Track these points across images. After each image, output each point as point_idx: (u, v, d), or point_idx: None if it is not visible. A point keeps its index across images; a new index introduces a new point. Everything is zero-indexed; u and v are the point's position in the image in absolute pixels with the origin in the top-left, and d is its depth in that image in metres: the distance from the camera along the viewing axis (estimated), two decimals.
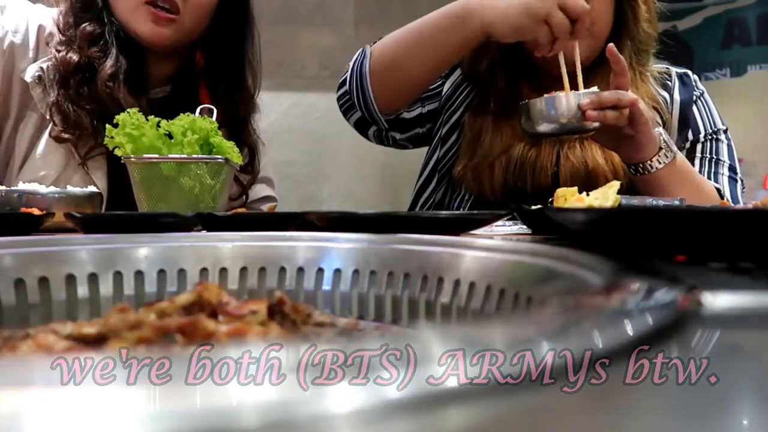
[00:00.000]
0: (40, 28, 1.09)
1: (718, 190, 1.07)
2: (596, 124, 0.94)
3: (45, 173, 1.03)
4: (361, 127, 1.17)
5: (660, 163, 0.97)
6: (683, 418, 0.13)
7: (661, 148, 0.97)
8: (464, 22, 0.98)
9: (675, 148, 0.99)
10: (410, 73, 1.07)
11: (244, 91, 1.19)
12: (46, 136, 1.06)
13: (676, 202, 0.80)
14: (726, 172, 1.13)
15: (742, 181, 1.15)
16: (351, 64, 1.11)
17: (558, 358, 0.15)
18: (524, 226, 0.72)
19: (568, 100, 0.94)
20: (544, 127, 0.96)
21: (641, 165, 0.98)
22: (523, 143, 1.11)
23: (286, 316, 0.33)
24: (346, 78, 1.11)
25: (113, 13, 1.06)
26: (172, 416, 0.10)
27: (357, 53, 1.12)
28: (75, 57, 1.04)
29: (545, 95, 0.96)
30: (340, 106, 1.15)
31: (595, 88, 0.96)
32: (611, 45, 0.96)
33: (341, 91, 1.13)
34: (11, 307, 0.37)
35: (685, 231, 0.39)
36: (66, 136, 1.03)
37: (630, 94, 0.94)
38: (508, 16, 0.95)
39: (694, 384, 0.16)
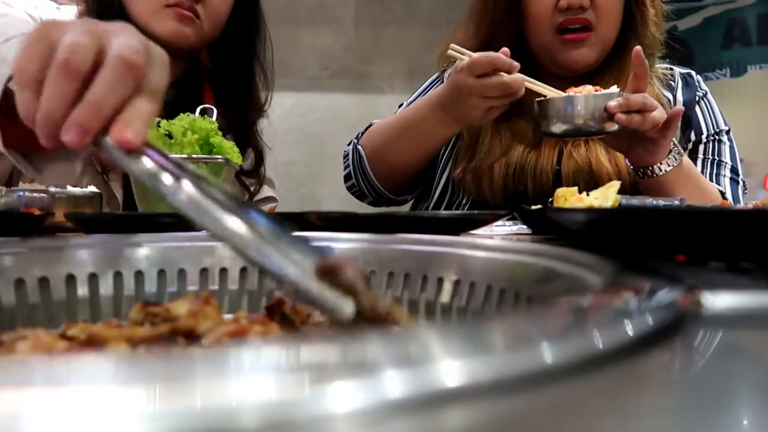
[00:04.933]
0: None
1: (722, 193, 1.07)
2: (616, 127, 0.90)
3: (63, 181, 1.03)
4: (377, 204, 1.24)
5: (669, 166, 0.96)
6: (683, 417, 0.13)
7: (670, 151, 0.96)
8: (443, 120, 1.02)
9: (681, 151, 0.99)
10: (404, 162, 1.13)
11: (252, 95, 1.18)
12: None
13: (676, 202, 0.80)
14: (728, 173, 1.13)
15: (743, 182, 1.15)
16: (349, 160, 1.18)
17: (558, 359, 0.15)
18: (524, 226, 0.72)
19: (587, 101, 0.90)
20: (559, 128, 0.92)
21: (650, 168, 0.97)
22: (522, 146, 1.10)
23: (286, 316, 0.33)
24: (350, 172, 1.19)
25: (130, 15, 1.06)
26: (172, 416, 0.10)
27: (349, 148, 1.19)
28: None
29: (564, 94, 0.93)
30: (353, 194, 1.23)
31: (614, 88, 0.93)
32: (638, 48, 0.94)
33: (349, 183, 1.20)
34: (11, 307, 0.37)
35: (685, 231, 0.39)
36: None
37: (654, 101, 0.92)
38: (459, 112, 0.98)
39: (694, 384, 0.16)
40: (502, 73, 0.91)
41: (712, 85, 1.22)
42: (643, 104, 0.90)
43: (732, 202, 1.07)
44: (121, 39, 0.39)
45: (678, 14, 3.06)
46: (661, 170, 0.96)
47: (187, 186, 0.31)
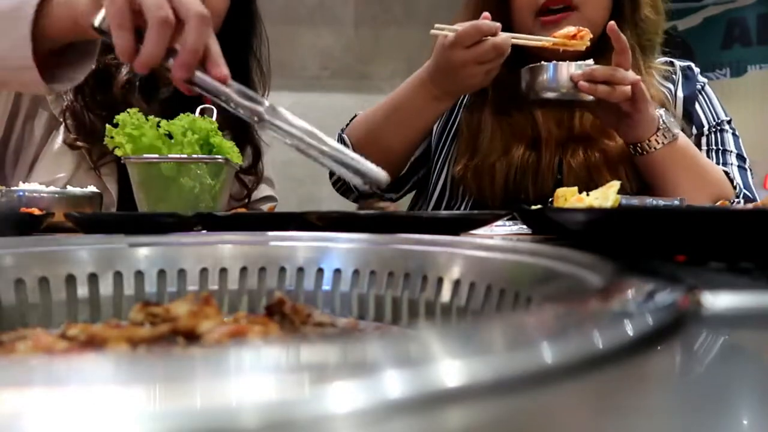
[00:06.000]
0: None
1: (727, 173, 1.07)
2: (591, 97, 0.96)
3: (57, 176, 1.03)
4: (362, 200, 1.25)
5: (659, 143, 0.98)
6: (683, 417, 0.13)
7: (659, 128, 0.98)
8: (436, 96, 1.03)
9: (677, 131, 0.99)
10: (393, 147, 1.12)
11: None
12: (57, 138, 1.05)
13: (676, 202, 0.80)
14: (734, 161, 1.13)
15: (750, 169, 1.15)
16: None
17: (558, 359, 0.15)
18: (524, 226, 0.72)
19: (568, 69, 0.97)
20: (543, 94, 0.99)
21: (639, 145, 0.99)
22: (522, 145, 1.09)
23: (286, 316, 0.33)
24: None
25: None
26: (172, 416, 0.10)
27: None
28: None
29: (545, 63, 0.99)
30: (337, 190, 1.23)
31: (590, 61, 0.98)
32: (612, 23, 0.96)
33: (334, 178, 1.21)
34: (11, 307, 0.37)
35: (685, 231, 0.39)
36: (80, 144, 1.03)
37: (630, 74, 0.94)
38: (451, 81, 0.99)
39: (694, 384, 0.16)
40: (489, 36, 0.95)
41: (712, 85, 1.22)
42: (611, 75, 0.93)
43: (742, 188, 1.07)
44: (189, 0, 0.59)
45: (678, 14, 3.06)
46: (650, 146, 0.98)
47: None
